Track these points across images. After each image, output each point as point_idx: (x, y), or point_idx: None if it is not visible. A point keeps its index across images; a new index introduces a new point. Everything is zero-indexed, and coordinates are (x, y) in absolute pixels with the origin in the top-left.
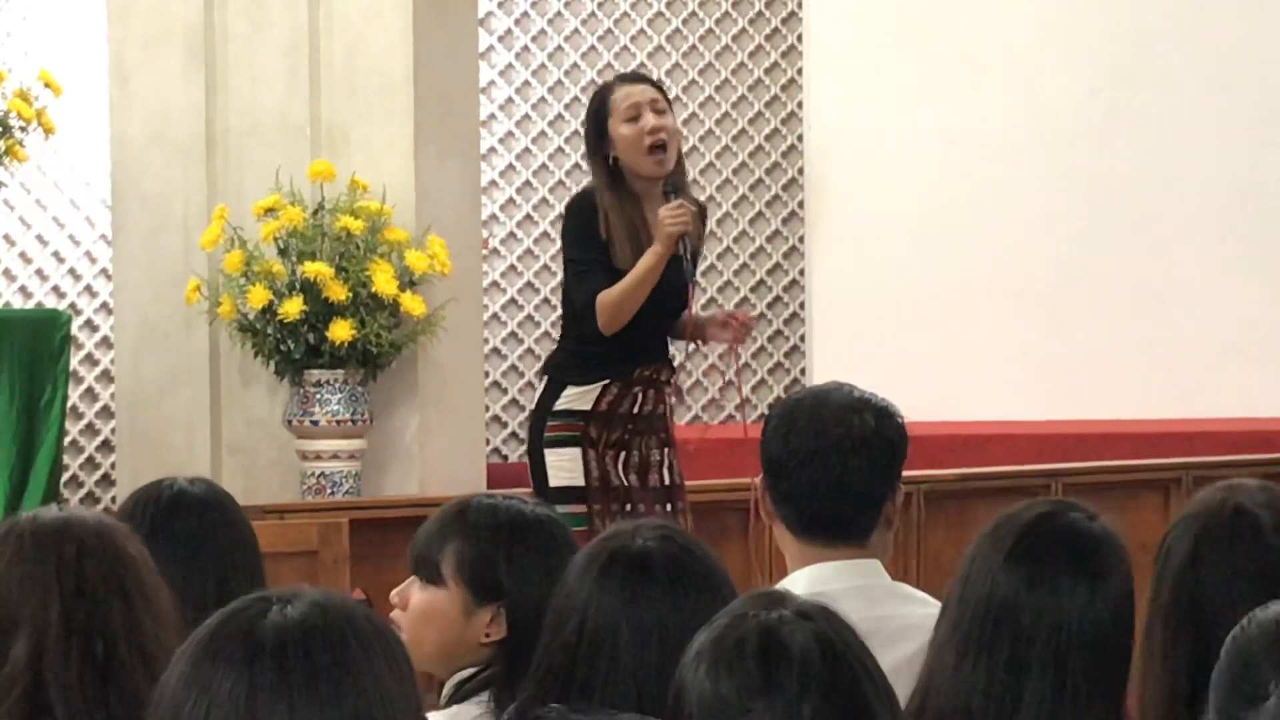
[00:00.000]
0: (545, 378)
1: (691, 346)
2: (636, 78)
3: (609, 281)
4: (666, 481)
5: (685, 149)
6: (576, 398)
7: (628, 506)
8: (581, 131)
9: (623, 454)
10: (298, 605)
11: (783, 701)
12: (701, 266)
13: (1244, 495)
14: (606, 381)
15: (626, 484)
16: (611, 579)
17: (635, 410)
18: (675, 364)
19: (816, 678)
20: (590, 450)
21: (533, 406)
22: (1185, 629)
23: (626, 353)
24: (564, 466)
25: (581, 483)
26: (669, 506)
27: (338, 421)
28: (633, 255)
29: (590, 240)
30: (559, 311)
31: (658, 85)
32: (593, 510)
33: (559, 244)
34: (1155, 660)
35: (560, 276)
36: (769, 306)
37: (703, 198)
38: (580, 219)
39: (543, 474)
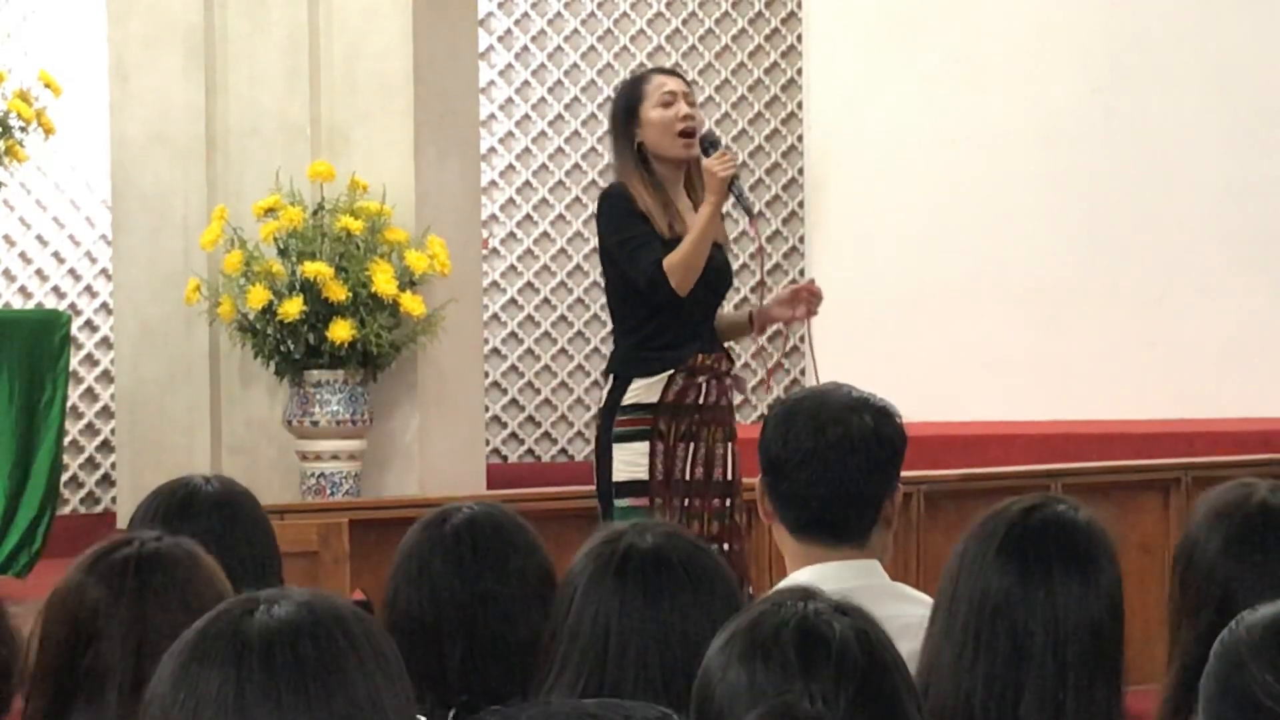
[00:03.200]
0: (611, 376)
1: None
2: (672, 71)
3: (665, 249)
4: (729, 476)
5: None
6: (643, 390)
7: (686, 501)
8: (582, 131)
9: (691, 446)
10: (285, 605)
11: (819, 689)
12: None
13: (1265, 492)
14: (671, 372)
15: (690, 478)
16: (631, 580)
17: (701, 401)
18: (733, 355)
19: (854, 668)
20: (658, 443)
21: (601, 405)
22: (1215, 623)
23: (684, 340)
24: (631, 461)
25: (645, 476)
26: (728, 501)
27: (338, 422)
28: (666, 227)
29: (633, 218)
30: (558, 311)
31: (689, 84)
32: (654, 504)
33: (562, 246)
34: (1180, 653)
35: (595, 275)
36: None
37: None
38: (616, 203)
39: (608, 470)
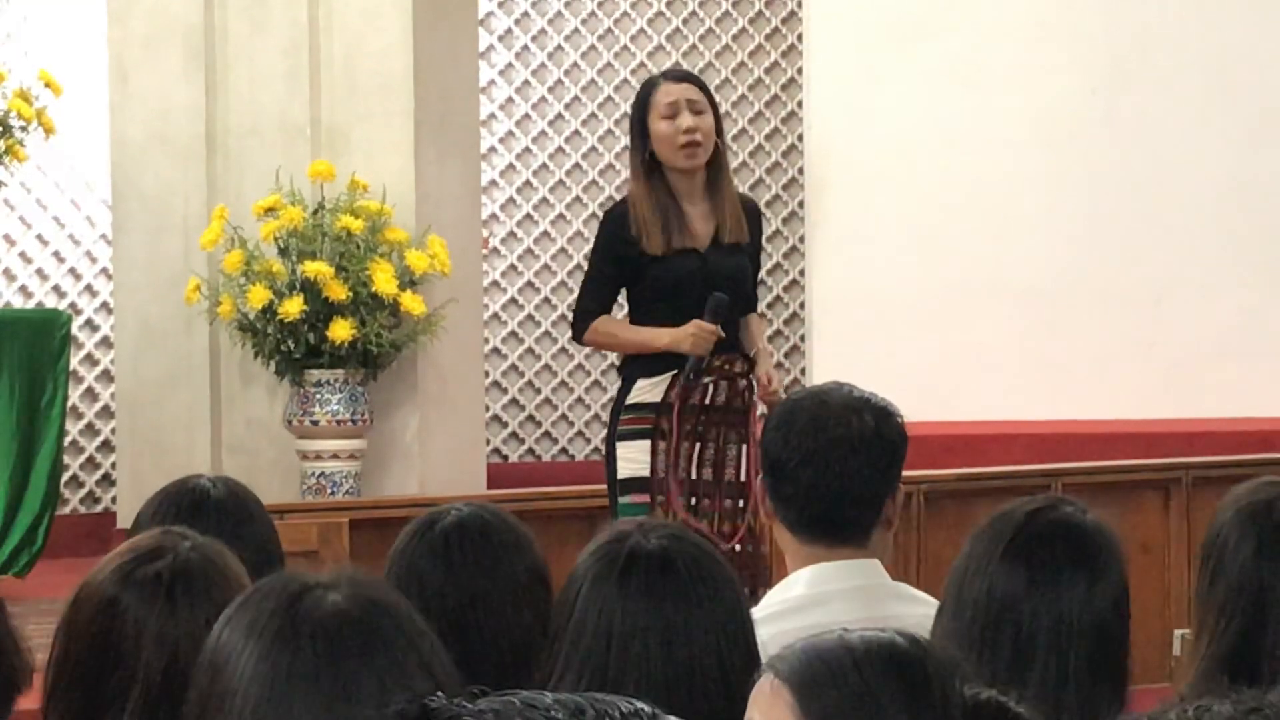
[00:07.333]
0: (621, 377)
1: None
2: (681, 76)
3: (610, 296)
4: (742, 478)
5: None
6: (647, 389)
7: (694, 500)
8: (582, 130)
9: (698, 446)
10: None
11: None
12: None
13: None
14: (675, 372)
15: (696, 477)
16: (635, 581)
17: (708, 402)
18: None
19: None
20: (659, 442)
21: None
22: (1247, 629)
23: None
24: (633, 459)
25: (647, 474)
26: (741, 503)
27: (338, 421)
28: (663, 241)
29: (609, 250)
30: (559, 311)
31: (701, 85)
32: (655, 502)
33: (562, 245)
34: (1209, 653)
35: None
36: (769, 306)
37: None
38: (608, 227)
39: (614, 469)
